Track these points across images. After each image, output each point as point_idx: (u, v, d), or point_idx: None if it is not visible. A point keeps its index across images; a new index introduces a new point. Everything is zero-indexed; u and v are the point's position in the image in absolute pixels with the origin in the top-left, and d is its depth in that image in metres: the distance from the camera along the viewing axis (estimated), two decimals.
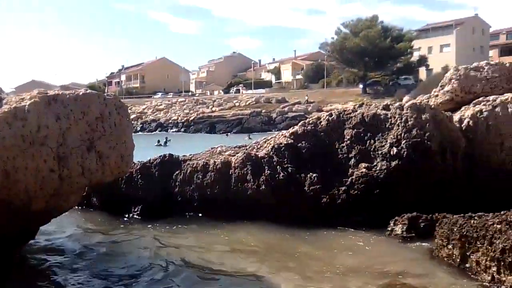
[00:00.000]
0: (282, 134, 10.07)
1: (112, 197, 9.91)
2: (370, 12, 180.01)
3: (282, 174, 9.04)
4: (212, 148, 10.86)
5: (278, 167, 9.16)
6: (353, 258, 6.92)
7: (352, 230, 8.22)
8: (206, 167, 9.60)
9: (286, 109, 60.54)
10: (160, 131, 61.08)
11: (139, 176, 9.97)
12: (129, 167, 7.34)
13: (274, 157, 9.30)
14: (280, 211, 8.80)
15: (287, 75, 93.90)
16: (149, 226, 8.98)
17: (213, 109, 66.45)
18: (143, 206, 9.68)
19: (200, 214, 9.37)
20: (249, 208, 8.95)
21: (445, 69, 42.99)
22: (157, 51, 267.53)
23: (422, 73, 70.33)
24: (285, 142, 9.50)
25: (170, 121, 66.02)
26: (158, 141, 34.80)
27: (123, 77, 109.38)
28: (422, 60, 69.32)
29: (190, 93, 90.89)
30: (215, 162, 9.60)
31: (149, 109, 72.37)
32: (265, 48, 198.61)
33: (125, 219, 9.61)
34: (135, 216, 9.67)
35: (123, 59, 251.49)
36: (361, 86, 66.91)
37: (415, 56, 70.16)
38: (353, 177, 8.78)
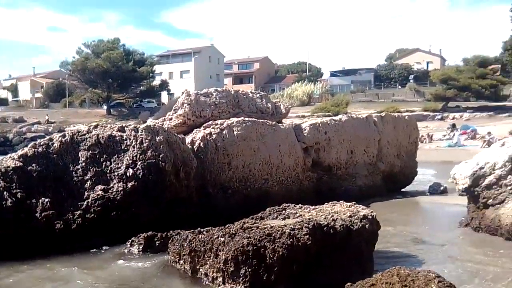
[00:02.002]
0: (10, 157, 9.09)
1: None
2: (112, 34, 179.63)
3: (10, 200, 8.14)
4: None
5: (5, 193, 8.22)
6: (91, 280, 6.61)
7: (90, 253, 7.88)
8: None
9: (24, 129, 55.16)
10: None
11: None
12: None
13: (1, 182, 8.33)
14: (7, 242, 7.87)
15: (25, 93, 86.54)
16: None
17: None
18: None
19: None
20: None
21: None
22: None
23: (165, 97, 73.11)
24: (13, 165, 8.59)
25: None
26: None
27: None
28: (164, 85, 72.11)
29: None
30: None
31: None
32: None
33: None
34: None
35: None
36: (105, 107, 65.94)
37: (158, 81, 72.59)
38: (89, 200, 8.45)
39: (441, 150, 28.88)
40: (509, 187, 8.07)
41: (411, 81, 74.30)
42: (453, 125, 38.81)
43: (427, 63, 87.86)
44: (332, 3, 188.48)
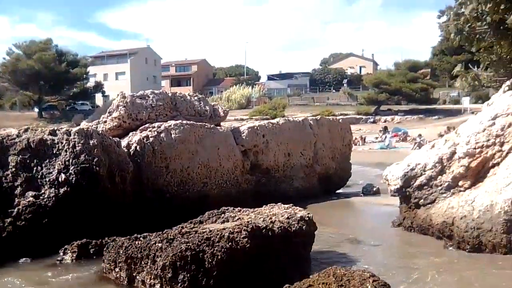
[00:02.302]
0: None
1: None
2: (45, 35, 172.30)
3: None
4: None
5: None
6: None
7: (20, 263, 7.51)
8: None
9: None
10: None
11: None
12: None
13: None
14: None
15: None
16: None
17: None
18: None
19: None
20: None
21: None
22: None
23: (99, 99, 71.19)
24: None
25: None
26: None
27: None
28: (98, 87, 70.27)
29: None
30: None
31: None
32: None
33: None
34: None
35: None
36: (36, 110, 63.31)
37: (92, 82, 70.63)
38: (20, 207, 8.07)
39: (374, 152, 29.88)
40: (439, 188, 8.45)
41: (345, 85, 76.46)
42: (385, 128, 40.29)
43: (360, 67, 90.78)
44: (268, 8, 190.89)
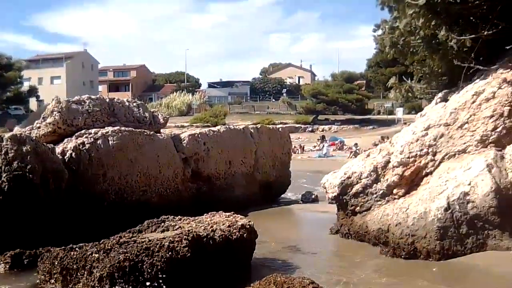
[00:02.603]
0: None
1: None
2: None
3: None
4: None
5: None
6: None
7: None
8: None
9: None
10: None
11: None
12: None
13: None
14: None
15: None
16: None
17: None
18: None
19: None
20: None
21: None
22: None
23: (34, 103, 68.48)
24: None
25: None
26: None
27: None
28: (33, 91, 67.71)
29: None
30: None
31: None
32: None
33: None
34: None
35: None
36: None
37: (26, 86, 67.95)
38: None
39: (312, 160, 30.47)
40: (374, 195, 8.71)
41: (284, 94, 77.70)
42: (323, 137, 41.18)
43: (299, 77, 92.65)
44: (209, 16, 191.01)
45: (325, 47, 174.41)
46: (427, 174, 8.25)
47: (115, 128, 10.41)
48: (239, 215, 7.20)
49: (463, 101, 8.18)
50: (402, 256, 7.57)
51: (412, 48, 9.67)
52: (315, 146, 38.46)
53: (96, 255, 5.77)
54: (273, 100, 77.92)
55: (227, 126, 14.46)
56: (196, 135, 12.27)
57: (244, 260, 6.67)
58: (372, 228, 8.40)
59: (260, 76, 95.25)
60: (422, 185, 8.20)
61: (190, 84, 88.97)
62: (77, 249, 6.26)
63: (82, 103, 10.87)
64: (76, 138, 9.81)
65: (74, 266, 5.91)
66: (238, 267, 6.43)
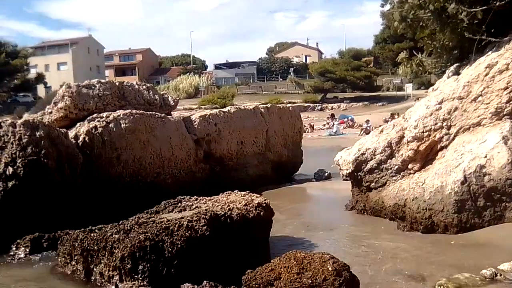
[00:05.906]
0: None
1: None
2: None
3: None
4: None
5: None
6: None
7: None
8: None
9: None
10: None
11: None
12: None
13: None
14: None
15: None
16: None
17: None
18: None
19: None
20: None
21: None
22: None
23: (41, 90, 68.66)
24: None
25: None
26: None
27: None
28: (40, 78, 67.77)
29: None
30: None
31: None
32: None
33: None
34: None
35: None
36: None
37: (33, 73, 68.07)
38: None
39: (323, 138, 30.36)
40: (389, 171, 8.69)
41: (291, 74, 77.12)
42: (332, 115, 40.94)
43: (306, 56, 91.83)
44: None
45: (331, 24, 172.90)
46: (442, 148, 8.20)
47: (127, 111, 10.42)
48: (254, 194, 7.20)
49: (475, 74, 8.07)
50: (420, 230, 7.57)
51: (421, 22, 9.51)
52: (324, 125, 38.28)
53: (117, 236, 5.81)
54: (281, 79, 77.44)
55: (237, 107, 14.43)
56: (207, 116, 12.26)
57: (262, 238, 6.69)
58: (388, 203, 8.40)
59: (267, 56, 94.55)
60: (437, 159, 8.16)
61: (197, 66, 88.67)
62: (96, 230, 6.30)
63: (92, 87, 10.86)
64: (89, 122, 9.83)
65: (95, 247, 5.95)
66: (256, 245, 6.45)
